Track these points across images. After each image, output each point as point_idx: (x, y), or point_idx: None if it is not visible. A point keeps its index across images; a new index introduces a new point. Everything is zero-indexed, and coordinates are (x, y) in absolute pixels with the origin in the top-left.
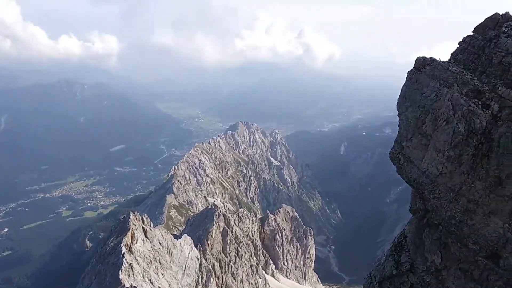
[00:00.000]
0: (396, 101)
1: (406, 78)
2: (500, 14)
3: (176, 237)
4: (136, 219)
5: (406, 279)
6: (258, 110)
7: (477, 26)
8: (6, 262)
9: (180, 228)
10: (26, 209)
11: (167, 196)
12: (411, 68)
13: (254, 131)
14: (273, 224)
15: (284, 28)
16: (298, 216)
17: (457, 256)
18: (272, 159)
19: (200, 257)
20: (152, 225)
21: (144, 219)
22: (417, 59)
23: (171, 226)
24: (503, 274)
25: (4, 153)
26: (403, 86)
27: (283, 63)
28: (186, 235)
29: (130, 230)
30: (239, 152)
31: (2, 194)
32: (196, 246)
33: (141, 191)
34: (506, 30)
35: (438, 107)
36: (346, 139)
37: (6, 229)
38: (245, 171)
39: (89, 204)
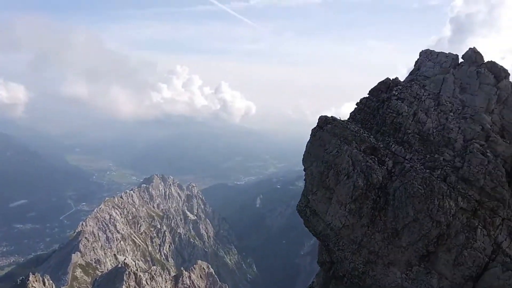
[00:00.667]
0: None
1: (310, 135)
2: (391, 79)
3: None
4: (36, 280)
5: None
6: (175, 163)
7: (372, 89)
8: None
9: None
10: None
11: (72, 254)
12: (315, 126)
13: (170, 184)
14: (188, 282)
15: (201, 83)
16: (213, 272)
17: None
18: (189, 213)
19: None
20: (54, 287)
21: (46, 280)
22: (319, 118)
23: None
24: None
25: None
26: (308, 142)
27: (200, 117)
28: None
29: None
30: (153, 206)
31: None
32: None
33: (44, 249)
34: (396, 93)
35: (339, 162)
36: (262, 192)
37: None
38: (159, 226)
39: None
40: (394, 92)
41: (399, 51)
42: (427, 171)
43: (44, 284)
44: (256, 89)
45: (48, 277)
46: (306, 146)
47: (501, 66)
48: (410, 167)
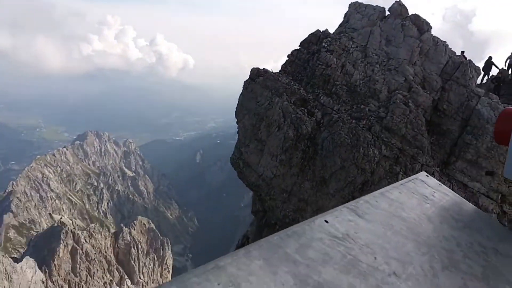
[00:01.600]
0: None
1: (243, 87)
2: (321, 30)
3: (17, 260)
4: None
5: None
6: (110, 119)
7: (302, 41)
8: None
9: (21, 250)
10: None
11: (4, 215)
12: (247, 79)
13: (106, 141)
14: (128, 238)
15: (135, 35)
16: (154, 227)
17: None
18: (126, 170)
19: (46, 279)
20: None
21: None
22: (252, 70)
23: (10, 249)
24: None
25: None
26: (240, 95)
27: (135, 71)
28: (28, 257)
29: None
30: (88, 164)
31: None
32: (40, 268)
33: None
34: (325, 46)
35: (270, 114)
36: (202, 148)
37: None
38: (96, 184)
39: None
40: (324, 44)
41: (339, 2)
42: (354, 121)
43: None
44: (194, 42)
45: None
46: (239, 98)
47: (424, 19)
48: (337, 117)
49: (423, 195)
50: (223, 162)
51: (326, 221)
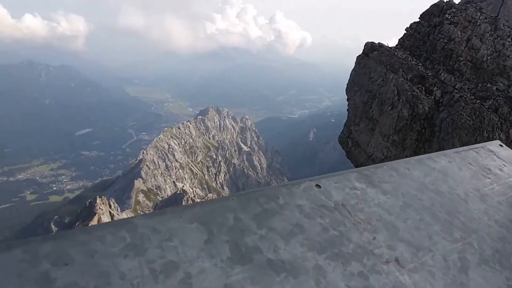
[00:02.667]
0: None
1: (355, 62)
2: (445, 1)
3: None
4: (103, 203)
5: None
6: (229, 96)
7: (423, 13)
8: None
9: None
10: None
11: (135, 180)
12: (360, 53)
13: (225, 117)
14: None
15: (256, 13)
16: None
17: None
18: (242, 145)
19: None
20: (119, 210)
21: (111, 203)
22: (365, 44)
23: (138, 211)
24: None
25: None
26: (352, 70)
27: (255, 49)
28: None
29: (97, 215)
30: (209, 137)
31: None
32: None
33: (109, 175)
34: (449, 17)
35: (384, 91)
36: (316, 126)
37: None
38: (214, 157)
39: (54, 188)
40: (447, 15)
41: None
42: (478, 101)
43: (110, 206)
44: (313, 19)
45: (114, 200)
46: (350, 74)
47: None
48: (459, 97)
49: (484, 167)
50: (336, 141)
51: (318, 186)
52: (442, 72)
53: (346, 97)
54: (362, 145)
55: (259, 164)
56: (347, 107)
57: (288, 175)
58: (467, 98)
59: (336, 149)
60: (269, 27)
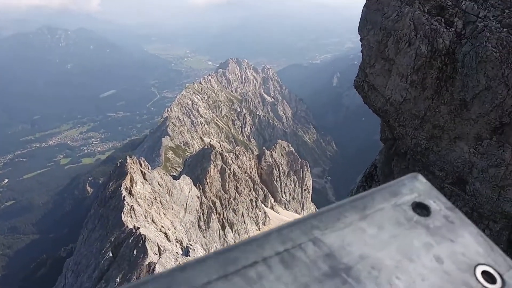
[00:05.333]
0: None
1: None
2: None
3: (175, 177)
4: (134, 162)
5: None
6: (248, 46)
7: None
8: (10, 212)
9: (178, 169)
10: (24, 160)
11: (162, 138)
12: None
13: (246, 68)
14: (270, 160)
15: None
16: (294, 150)
17: None
18: (266, 96)
19: (200, 195)
20: (150, 168)
21: (142, 162)
22: None
23: (169, 168)
24: (469, 199)
25: None
26: (364, 7)
27: None
28: (184, 175)
29: (129, 174)
30: (231, 91)
31: None
32: (195, 185)
33: (136, 135)
34: None
35: (399, 28)
36: (339, 70)
37: (6, 180)
38: (239, 109)
39: (85, 151)
40: None
41: None
42: (505, 29)
43: (141, 165)
44: None
45: (144, 159)
46: (362, 12)
47: None
48: (483, 26)
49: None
50: None
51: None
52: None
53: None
54: (379, 88)
55: (284, 114)
56: (361, 48)
57: (314, 123)
58: (493, 27)
59: None
60: None
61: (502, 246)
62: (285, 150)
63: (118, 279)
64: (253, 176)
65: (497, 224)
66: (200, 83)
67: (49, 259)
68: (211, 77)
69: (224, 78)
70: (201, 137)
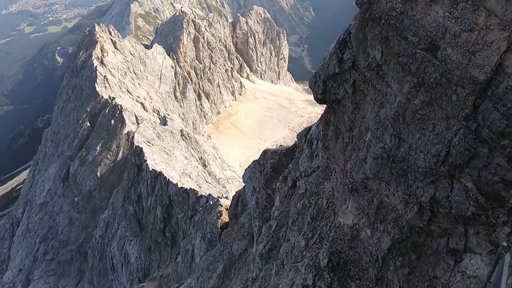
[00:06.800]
0: None
1: None
2: None
3: (147, 47)
4: (103, 31)
5: (349, 76)
6: None
7: None
8: None
9: (150, 38)
10: None
11: (131, 4)
12: None
13: None
14: (245, 28)
15: None
16: (270, 17)
17: (397, 50)
18: None
19: (174, 65)
20: (120, 36)
21: (111, 30)
22: None
23: (140, 36)
24: (439, 65)
25: None
26: None
27: None
28: (157, 44)
29: (99, 43)
30: None
31: None
32: (168, 55)
33: (103, 1)
34: None
35: None
36: None
37: None
38: None
39: (50, 19)
40: None
41: None
42: None
43: (110, 34)
44: None
45: (113, 27)
46: None
47: None
48: None
49: None
50: None
51: None
52: None
53: None
54: None
55: None
56: None
57: None
58: None
59: None
60: None
61: (467, 111)
62: (261, 17)
63: (98, 148)
64: (228, 45)
65: (464, 89)
66: None
67: (27, 129)
68: None
69: None
70: (171, 3)
